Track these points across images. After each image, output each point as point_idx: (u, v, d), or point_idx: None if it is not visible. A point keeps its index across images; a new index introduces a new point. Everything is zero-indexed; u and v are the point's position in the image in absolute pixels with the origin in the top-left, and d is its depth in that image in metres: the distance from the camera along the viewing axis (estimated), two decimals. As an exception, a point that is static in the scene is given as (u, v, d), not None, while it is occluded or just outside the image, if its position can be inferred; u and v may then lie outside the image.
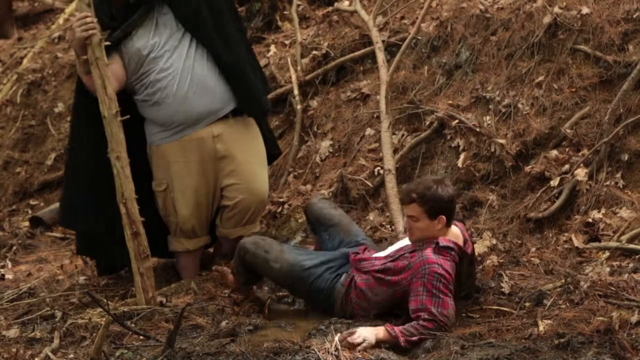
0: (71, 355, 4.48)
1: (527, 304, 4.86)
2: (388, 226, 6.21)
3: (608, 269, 5.03)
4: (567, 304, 4.66)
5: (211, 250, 6.37)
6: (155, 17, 5.69)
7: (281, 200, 6.86)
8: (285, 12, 8.45)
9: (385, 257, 4.95)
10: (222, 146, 5.83)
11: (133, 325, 4.93)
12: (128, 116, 5.35)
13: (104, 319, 4.55)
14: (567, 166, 5.91)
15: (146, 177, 5.87)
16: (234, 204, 5.90)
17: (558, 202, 5.78)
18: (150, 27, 5.68)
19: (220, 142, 5.82)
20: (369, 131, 6.97)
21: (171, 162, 5.81)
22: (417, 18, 7.17)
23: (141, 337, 4.77)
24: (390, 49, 7.27)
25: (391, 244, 5.26)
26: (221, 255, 6.18)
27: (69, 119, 8.76)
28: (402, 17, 7.53)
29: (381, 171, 6.51)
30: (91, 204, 5.82)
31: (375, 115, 6.96)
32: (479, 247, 5.67)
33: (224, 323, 5.03)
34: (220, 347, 4.60)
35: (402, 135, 6.76)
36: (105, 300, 5.10)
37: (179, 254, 6.08)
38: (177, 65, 5.68)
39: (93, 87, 5.40)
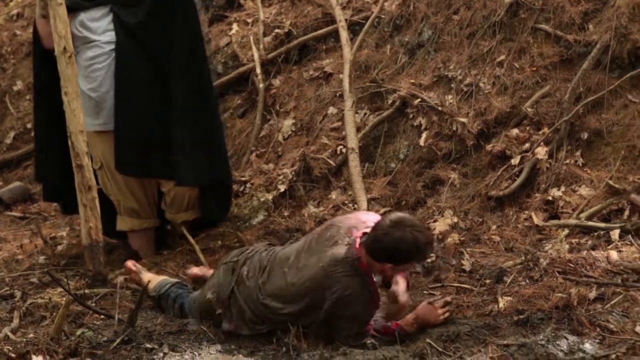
0: (31, 335, 4.44)
1: (488, 281, 4.90)
2: (351, 205, 6.21)
3: (567, 246, 5.08)
4: (527, 281, 4.70)
5: (169, 227, 6.36)
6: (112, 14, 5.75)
7: (243, 179, 6.84)
8: (247, -10, 8.40)
9: None
10: None
11: (94, 304, 4.90)
12: (75, 52, 5.41)
13: (64, 299, 4.52)
14: (527, 145, 5.95)
15: None
16: (167, 191, 5.93)
17: (518, 181, 5.82)
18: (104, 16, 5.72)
19: None
20: (332, 110, 6.96)
21: (98, 145, 5.84)
22: (380, -4, 7.17)
23: (102, 317, 4.74)
24: (353, 28, 7.25)
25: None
26: (179, 236, 6.16)
27: (28, 97, 8.66)
28: (365, -4, 7.53)
29: (344, 150, 6.51)
30: (55, 158, 5.93)
31: (338, 94, 6.95)
32: (441, 226, 5.70)
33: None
34: (182, 326, 4.59)
35: (365, 114, 6.76)
36: (65, 280, 5.05)
37: (128, 234, 6.10)
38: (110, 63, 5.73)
39: (46, 33, 5.56)
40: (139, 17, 5.73)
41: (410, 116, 6.53)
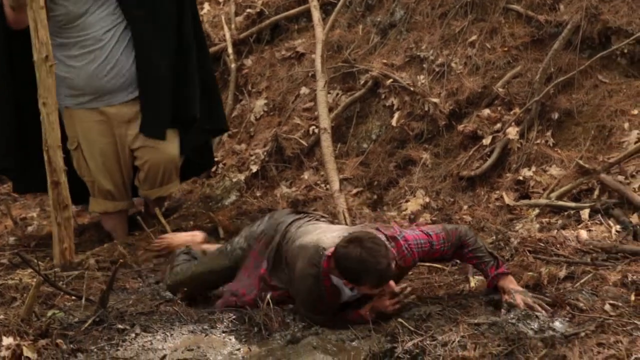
0: (1, 316, 4.40)
1: (459, 261, 4.92)
2: (323, 185, 6.22)
3: (538, 226, 5.11)
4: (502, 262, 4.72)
5: (142, 209, 6.33)
6: None
7: (216, 159, 6.81)
8: (219, -31, 8.34)
9: None
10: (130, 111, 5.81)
11: (64, 285, 4.87)
12: (56, 62, 5.23)
13: (35, 280, 4.48)
14: (499, 125, 5.98)
15: None
16: (142, 164, 5.88)
17: (490, 161, 5.85)
18: None
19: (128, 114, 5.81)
20: (304, 90, 6.95)
21: (77, 123, 5.77)
22: (352, -24, 7.15)
23: (73, 298, 4.71)
24: (325, 8, 7.23)
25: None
26: (151, 216, 6.14)
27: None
28: (337, -25, 7.49)
29: (316, 130, 6.50)
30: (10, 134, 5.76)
31: (310, 74, 6.94)
32: (413, 205, 5.72)
33: (156, 283, 5.02)
34: (154, 307, 4.58)
35: (337, 94, 6.75)
36: (35, 261, 5.02)
37: (101, 215, 6.06)
38: (104, 44, 5.62)
39: (15, 21, 5.39)
40: None
41: (383, 96, 6.53)
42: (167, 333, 4.21)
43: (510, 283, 4.21)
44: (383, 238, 4.10)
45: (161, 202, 6.15)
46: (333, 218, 5.24)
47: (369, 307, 4.21)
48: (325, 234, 4.23)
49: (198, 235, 5.42)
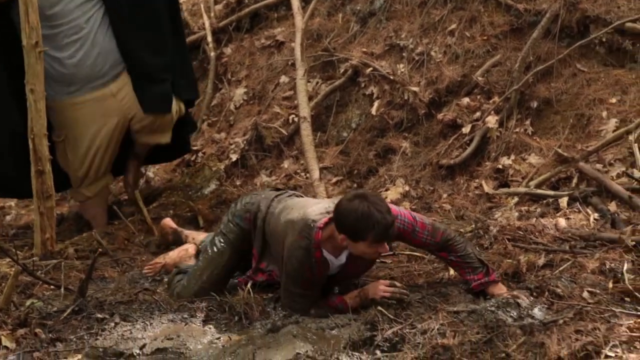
0: (-21, 306, 4.39)
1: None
2: (303, 174, 6.22)
3: (516, 214, 5.13)
4: (477, 249, 4.74)
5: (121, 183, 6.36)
6: None
7: (195, 148, 6.80)
8: (198, -43, 8.30)
9: None
10: (125, 102, 5.79)
11: (43, 275, 4.85)
12: (47, 48, 5.16)
13: (13, 269, 4.46)
14: (478, 113, 5.99)
15: None
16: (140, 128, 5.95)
17: (469, 149, 5.86)
18: None
19: (121, 99, 5.79)
20: (284, 79, 6.94)
21: (69, 113, 5.72)
22: (331, -36, 7.13)
23: (52, 287, 4.69)
24: (305, -4, 7.22)
25: None
26: (130, 186, 6.13)
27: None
28: (317, -36, 7.48)
29: (296, 119, 6.49)
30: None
31: (290, 63, 6.93)
32: (392, 194, 5.73)
33: (136, 273, 5.01)
34: (133, 296, 4.57)
35: (317, 82, 6.75)
36: (13, 250, 4.99)
37: (83, 204, 6.04)
38: (88, 31, 5.60)
39: None
40: None
41: (362, 85, 6.53)
42: (147, 322, 4.20)
43: (500, 290, 4.20)
44: None
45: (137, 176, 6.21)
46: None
47: (358, 291, 4.21)
48: (310, 208, 4.23)
49: (190, 248, 5.21)
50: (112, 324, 4.14)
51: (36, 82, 5.02)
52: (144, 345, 3.96)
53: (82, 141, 5.78)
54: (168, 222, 5.45)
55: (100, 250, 4.93)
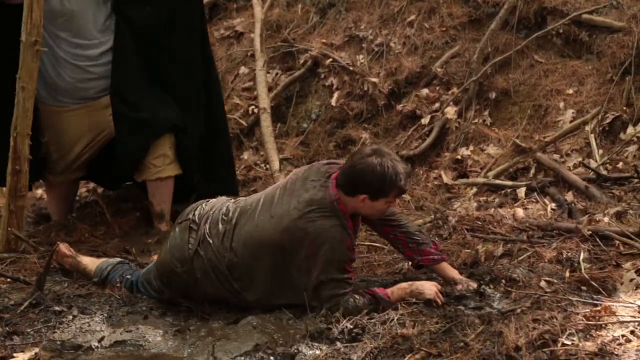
0: None
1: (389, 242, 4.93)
2: (263, 165, 6.20)
3: (475, 204, 5.17)
4: (437, 239, 4.77)
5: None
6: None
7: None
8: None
9: None
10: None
11: (1, 268, 4.80)
12: (46, 49, 4.92)
13: (-31, 263, 4.42)
14: (437, 104, 6.03)
15: None
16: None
17: (428, 140, 5.89)
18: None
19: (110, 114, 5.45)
20: (243, 70, 6.92)
21: (54, 119, 5.42)
22: (290, -45, 7.12)
23: (9, 280, 4.64)
24: (264, -14, 7.20)
25: None
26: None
27: None
28: (276, -46, 7.46)
29: (256, 110, 6.48)
30: None
31: (249, 54, 6.91)
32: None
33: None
34: (92, 289, 4.54)
35: (277, 73, 6.74)
36: (-30, 244, 4.94)
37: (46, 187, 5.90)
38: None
39: None
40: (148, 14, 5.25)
41: (322, 76, 6.54)
42: (105, 314, 4.17)
43: (451, 271, 4.16)
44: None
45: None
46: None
47: (409, 284, 3.99)
48: (295, 194, 3.98)
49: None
50: (70, 317, 4.11)
51: (29, 81, 4.83)
52: (102, 338, 3.93)
53: (67, 148, 5.52)
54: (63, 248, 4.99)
55: (58, 243, 4.87)
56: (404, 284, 4.00)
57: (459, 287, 4.06)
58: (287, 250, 3.96)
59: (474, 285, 4.04)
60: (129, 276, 4.47)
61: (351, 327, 3.73)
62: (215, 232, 4.12)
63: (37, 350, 3.83)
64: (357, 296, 3.93)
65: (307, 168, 4.17)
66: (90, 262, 4.72)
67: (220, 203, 4.28)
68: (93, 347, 3.90)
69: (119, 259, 4.72)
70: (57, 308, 4.20)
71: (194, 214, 4.24)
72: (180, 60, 5.37)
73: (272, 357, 3.65)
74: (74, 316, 4.12)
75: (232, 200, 4.29)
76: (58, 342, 3.92)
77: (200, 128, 5.49)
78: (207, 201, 4.34)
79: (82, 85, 5.32)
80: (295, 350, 3.67)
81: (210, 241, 4.10)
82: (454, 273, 4.16)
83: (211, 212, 4.21)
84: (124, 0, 5.23)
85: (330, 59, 6.49)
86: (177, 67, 5.37)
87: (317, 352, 3.60)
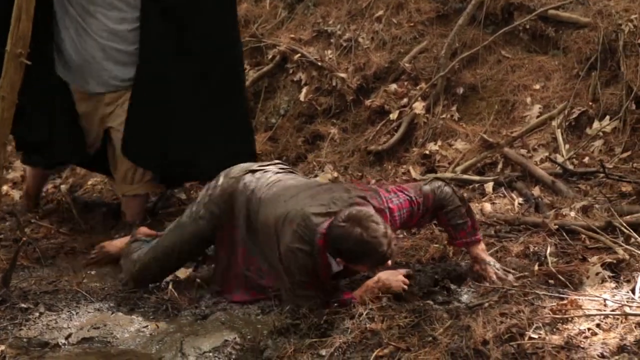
0: None
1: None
2: (230, 160, 6.18)
3: (443, 199, 5.18)
4: (405, 234, 4.78)
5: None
6: None
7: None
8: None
9: None
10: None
11: (-36, 265, 4.75)
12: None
13: None
14: (405, 100, 6.04)
15: None
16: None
17: (397, 135, 5.90)
18: None
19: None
20: (212, 65, 6.88)
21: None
22: (258, -51, 7.10)
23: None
24: (232, -19, 7.16)
25: None
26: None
27: None
28: (244, -52, 7.44)
29: (224, 105, 6.45)
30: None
31: (217, 49, 6.87)
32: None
33: (61, 262, 4.94)
34: (58, 286, 4.50)
35: (245, 69, 6.70)
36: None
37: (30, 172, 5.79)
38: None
39: None
40: None
41: (291, 71, 6.53)
42: (73, 311, 4.15)
43: (482, 252, 4.16)
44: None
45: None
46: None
47: (375, 282, 3.95)
48: (309, 201, 3.97)
49: None
50: (37, 314, 4.08)
51: (10, 92, 4.60)
52: (69, 335, 3.91)
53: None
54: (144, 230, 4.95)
55: (24, 239, 4.83)
56: (369, 282, 3.98)
57: (477, 267, 4.10)
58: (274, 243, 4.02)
59: (495, 274, 4.02)
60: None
61: (320, 322, 3.73)
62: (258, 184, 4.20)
63: (3, 347, 3.80)
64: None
65: (334, 184, 4.29)
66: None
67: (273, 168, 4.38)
68: (60, 344, 3.88)
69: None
70: (23, 305, 4.17)
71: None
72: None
73: (240, 353, 3.65)
74: (41, 313, 4.10)
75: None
76: (24, 340, 3.89)
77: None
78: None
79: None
80: (264, 346, 3.67)
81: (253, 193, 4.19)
82: (483, 254, 4.15)
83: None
84: None
85: (299, 54, 6.48)
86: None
87: (286, 347, 3.60)
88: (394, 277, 3.94)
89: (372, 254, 3.77)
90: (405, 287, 3.91)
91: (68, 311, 4.14)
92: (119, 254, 4.77)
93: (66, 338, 3.90)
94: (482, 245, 4.21)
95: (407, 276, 3.96)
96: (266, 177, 4.26)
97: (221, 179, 4.36)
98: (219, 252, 4.36)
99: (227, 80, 5.32)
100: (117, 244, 4.91)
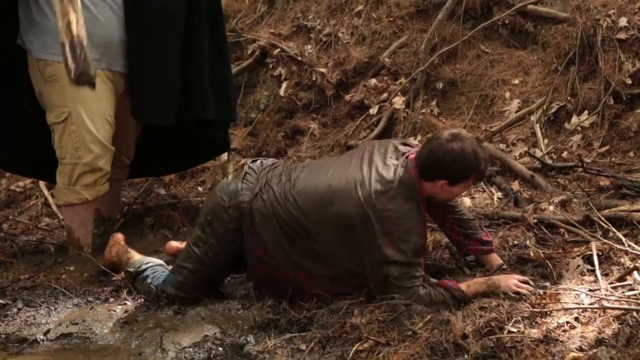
0: None
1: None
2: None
3: (423, 194, 5.19)
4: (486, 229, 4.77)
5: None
6: None
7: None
8: None
9: None
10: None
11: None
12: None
13: None
14: (385, 94, 6.04)
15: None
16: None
17: (377, 130, 5.91)
18: None
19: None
20: (191, 59, 6.86)
21: (77, 92, 4.55)
22: (238, -56, 7.09)
23: (-48, 273, 4.58)
24: (211, -24, 7.14)
25: None
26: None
27: None
28: (223, -57, 7.41)
29: (203, 100, 6.43)
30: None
31: (196, 44, 6.85)
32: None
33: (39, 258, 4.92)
34: (36, 281, 4.48)
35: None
36: None
37: (69, 207, 4.88)
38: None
39: None
40: None
41: (270, 66, 6.52)
42: (51, 307, 4.13)
43: (496, 261, 4.11)
44: None
45: None
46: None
47: (485, 279, 3.86)
48: (370, 173, 3.82)
49: (120, 239, 4.61)
50: (15, 310, 4.06)
51: None
52: (48, 331, 3.89)
53: (94, 115, 4.78)
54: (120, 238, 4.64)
55: (1, 234, 4.81)
56: (480, 279, 3.89)
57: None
58: (355, 219, 3.78)
59: (511, 290, 3.81)
60: (157, 282, 4.20)
61: (299, 317, 3.74)
62: (277, 181, 4.01)
63: (-19, 344, 3.79)
64: (429, 287, 3.79)
65: (380, 142, 4.07)
66: (136, 255, 4.48)
67: (282, 162, 4.25)
68: (39, 340, 3.86)
69: (161, 262, 4.43)
70: (1, 301, 4.16)
71: (249, 167, 4.14)
72: None
73: (220, 348, 3.65)
74: (19, 309, 4.08)
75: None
76: (3, 336, 3.87)
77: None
78: (266, 158, 4.30)
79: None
80: (244, 341, 3.67)
81: (273, 188, 3.97)
82: (498, 261, 4.12)
83: (273, 166, 4.14)
84: None
85: (279, 49, 6.47)
86: None
87: (266, 342, 3.60)
88: (506, 280, 3.83)
89: (480, 164, 3.78)
90: (520, 290, 3.76)
91: (46, 307, 4.12)
92: (113, 262, 4.54)
93: (45, 334, 3.88)
94: (494, 256, 4.17)
95: (524, 282, 3.83)
96: (278, 169, 4.10)
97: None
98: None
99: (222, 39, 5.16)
100: (107, 256, 4.60)
